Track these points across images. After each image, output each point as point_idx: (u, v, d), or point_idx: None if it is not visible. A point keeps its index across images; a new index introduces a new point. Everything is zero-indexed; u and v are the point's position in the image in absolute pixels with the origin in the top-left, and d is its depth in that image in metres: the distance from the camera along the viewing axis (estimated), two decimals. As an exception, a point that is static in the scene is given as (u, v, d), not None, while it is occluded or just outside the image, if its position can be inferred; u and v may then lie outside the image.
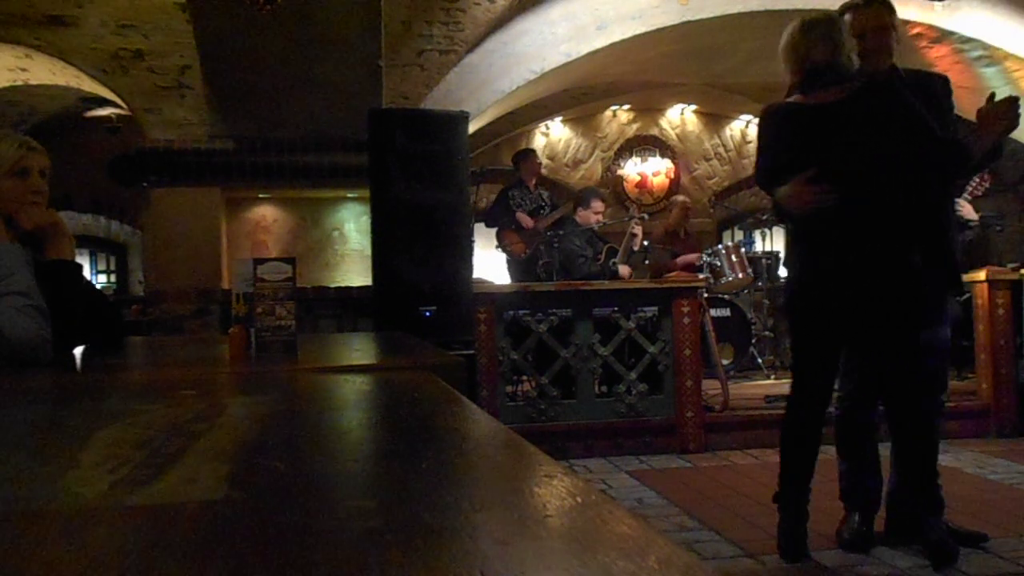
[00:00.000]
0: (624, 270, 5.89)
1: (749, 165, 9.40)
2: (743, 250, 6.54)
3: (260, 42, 5.39)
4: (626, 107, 9.79)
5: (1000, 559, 2.77)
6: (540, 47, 6.46)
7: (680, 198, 7.71)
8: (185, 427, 0.97)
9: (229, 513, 0.61)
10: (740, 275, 6.33)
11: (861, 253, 2.61)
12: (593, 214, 5.93)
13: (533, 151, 7.30)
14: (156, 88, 5.99)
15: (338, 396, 1.34)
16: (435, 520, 0.57)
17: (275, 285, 1.72)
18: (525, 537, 0.55)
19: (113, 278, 12.04)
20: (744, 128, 10.07)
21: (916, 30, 6.48)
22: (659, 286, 4.96)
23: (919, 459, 2.74)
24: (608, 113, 9.84)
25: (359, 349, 2.25)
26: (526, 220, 6.41)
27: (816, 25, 2.64)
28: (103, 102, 7.40)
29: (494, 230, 6.63)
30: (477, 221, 5.85)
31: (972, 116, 2.77)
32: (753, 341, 6.39)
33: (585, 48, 6.49)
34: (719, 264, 6.32)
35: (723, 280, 6.29)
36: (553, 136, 9.79)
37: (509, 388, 4.91)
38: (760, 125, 2.85)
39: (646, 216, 6.54)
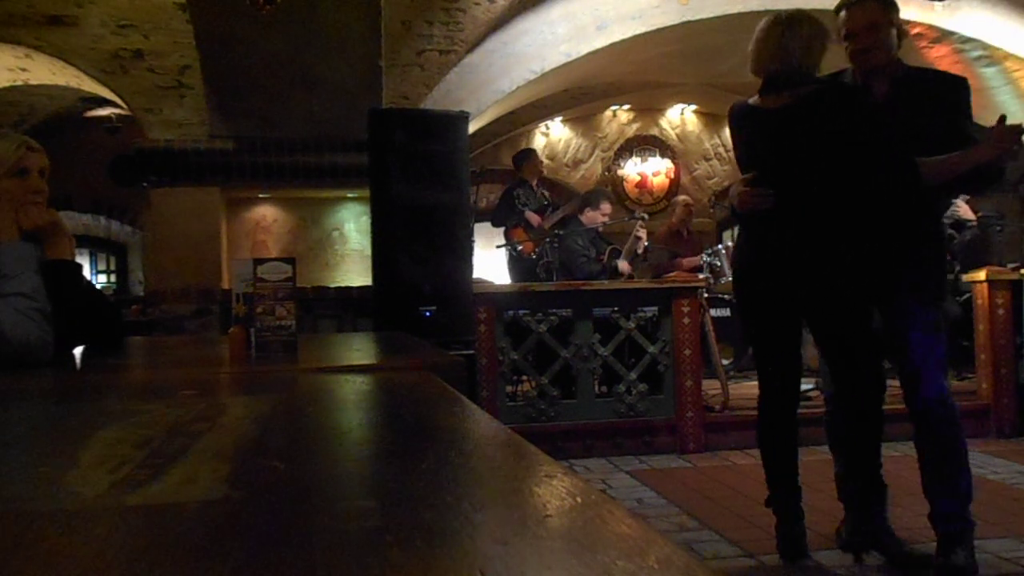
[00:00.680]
0: (624, 265, 5.91)
1: (749, 165, 9.38)
2: (743, 250, 6.53)
3: (260, 42, 5.39)
4: (626, 107, 9.79)
5: (1000, 559, 2.77)
6: (540, 47, 6.46)
7: (682, 198, 7.71)
8: (185, 427, 0.97)
9: (229, 513, 0.61)
10: (740, 275, 6.32)
11: (793, 253, 2.68)
12: (601, 215, 5.96)
13: (534, 151, 7.31)
14: (156, 88, 6.00)
15: (338, 396, 1.33)
16: (435, 520, 0.57)
17: (275, 285, 1.72)
18: (525, 537, 0.55)
19: (113, 278, 12.03)
20: (744, 128, 10.07)
21: (916, 30, 6.49)
22: (659, 286, 4.96)
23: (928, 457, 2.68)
24: (608, 113, 9.84)
25: (359, 349, 2.25)
26: (535, 218, 6.41)
27: (774, 27, 2.66)
28: (103, 102, 7.41)
29: (495, 230, 6.63)
30: (477, 221, 5.85)
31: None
32: (753, 341, 6.37)
33: (585, 48, 6.49)
34: (719, 264, 6.32)
35: (723, 280, 6.29)
36: (553, 136, 9.79)
37: (509, 388, 4.90)
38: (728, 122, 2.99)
39: (646, 216, 6.54)
